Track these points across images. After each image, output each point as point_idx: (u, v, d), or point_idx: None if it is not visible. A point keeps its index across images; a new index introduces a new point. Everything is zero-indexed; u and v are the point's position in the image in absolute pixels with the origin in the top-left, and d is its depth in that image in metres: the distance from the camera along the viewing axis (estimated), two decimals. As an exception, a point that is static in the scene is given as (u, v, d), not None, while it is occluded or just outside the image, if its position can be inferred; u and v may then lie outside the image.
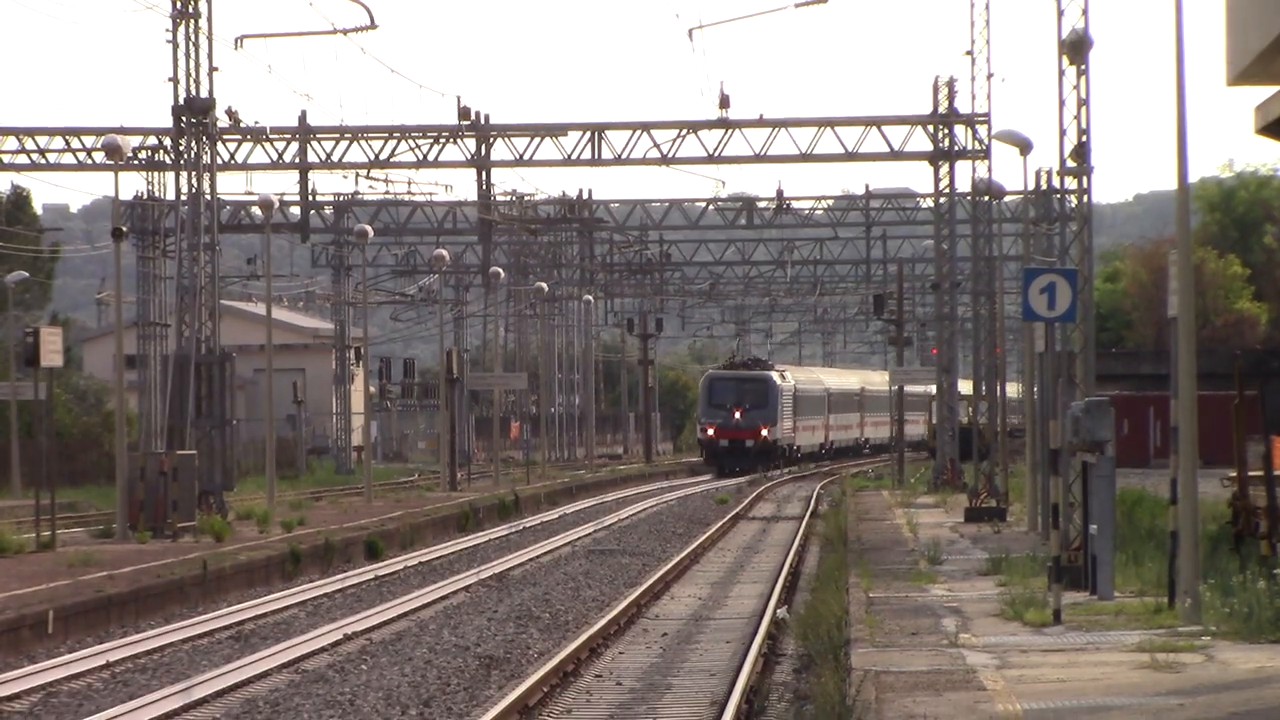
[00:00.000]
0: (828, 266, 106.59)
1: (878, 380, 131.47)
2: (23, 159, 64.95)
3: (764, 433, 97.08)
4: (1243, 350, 71.49)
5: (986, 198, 65.69)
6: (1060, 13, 36.52)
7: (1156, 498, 31.70)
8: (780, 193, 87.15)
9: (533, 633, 29.47)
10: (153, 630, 29.63)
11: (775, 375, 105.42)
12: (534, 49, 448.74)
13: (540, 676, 23.39)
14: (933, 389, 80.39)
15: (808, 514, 61.70)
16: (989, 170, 63.96)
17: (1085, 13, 36.28)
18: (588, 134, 64.95)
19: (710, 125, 64.05)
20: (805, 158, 65.54)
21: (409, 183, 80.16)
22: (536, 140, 66.33)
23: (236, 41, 54.21)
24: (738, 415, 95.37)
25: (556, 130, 66.18)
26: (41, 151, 63.24)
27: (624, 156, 65.01)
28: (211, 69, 49.42)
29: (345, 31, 53.41)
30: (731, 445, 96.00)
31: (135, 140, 57.75)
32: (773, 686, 23.75)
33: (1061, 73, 36.26)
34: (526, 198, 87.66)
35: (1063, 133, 36.30)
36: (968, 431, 67.43)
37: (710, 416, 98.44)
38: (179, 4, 48.48)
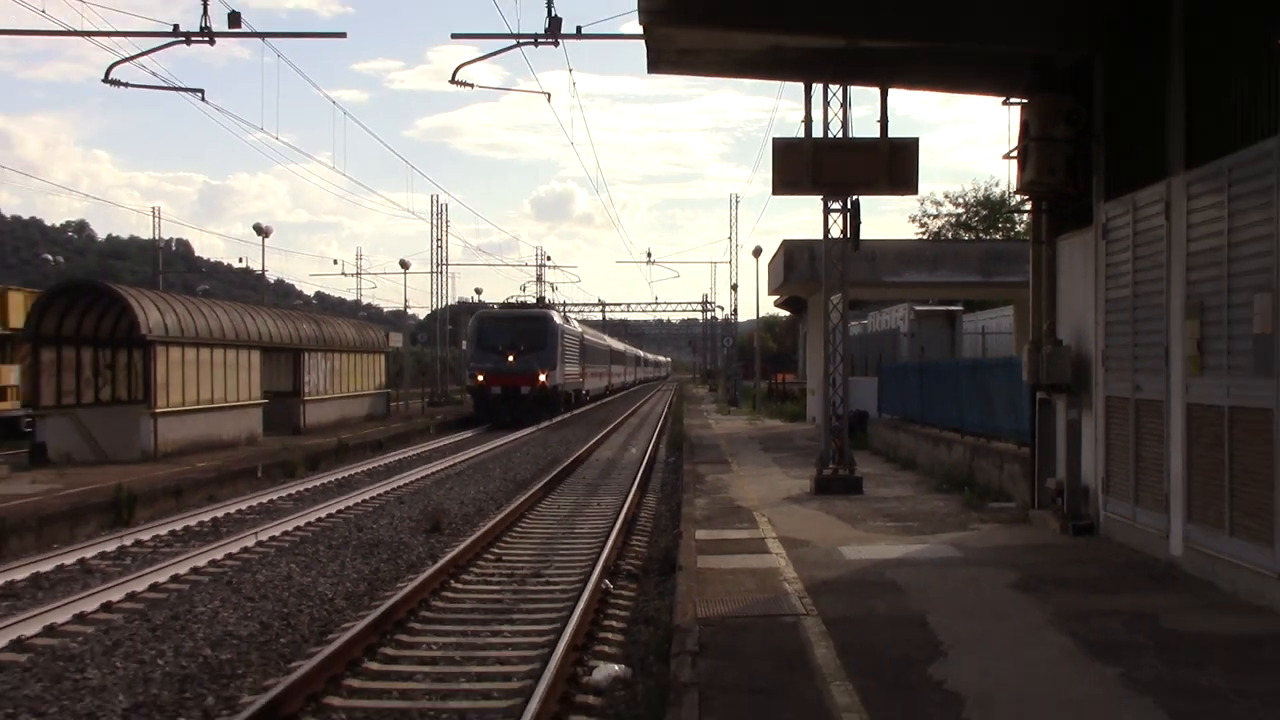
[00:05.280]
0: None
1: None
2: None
3: (542, 378, 49.34)
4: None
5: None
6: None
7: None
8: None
9: (548, 463, 30.09)
10: (385, 457, 31.09)
11: (555, 314, 54.84)
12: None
13: (544, 482, 23.97)
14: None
15: (668, 405, 65.61)
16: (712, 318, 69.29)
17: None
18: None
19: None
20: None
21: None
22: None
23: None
24: (511, 359, 49.55)
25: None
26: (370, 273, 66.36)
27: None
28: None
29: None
30: (505, 393, 49.26)
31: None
32: (655, 476, 25.68)
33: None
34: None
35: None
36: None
37: (480, 361, 50.31)
38: (434, 214, 53.46)
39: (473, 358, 49.20)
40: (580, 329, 61.72)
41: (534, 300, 61.05)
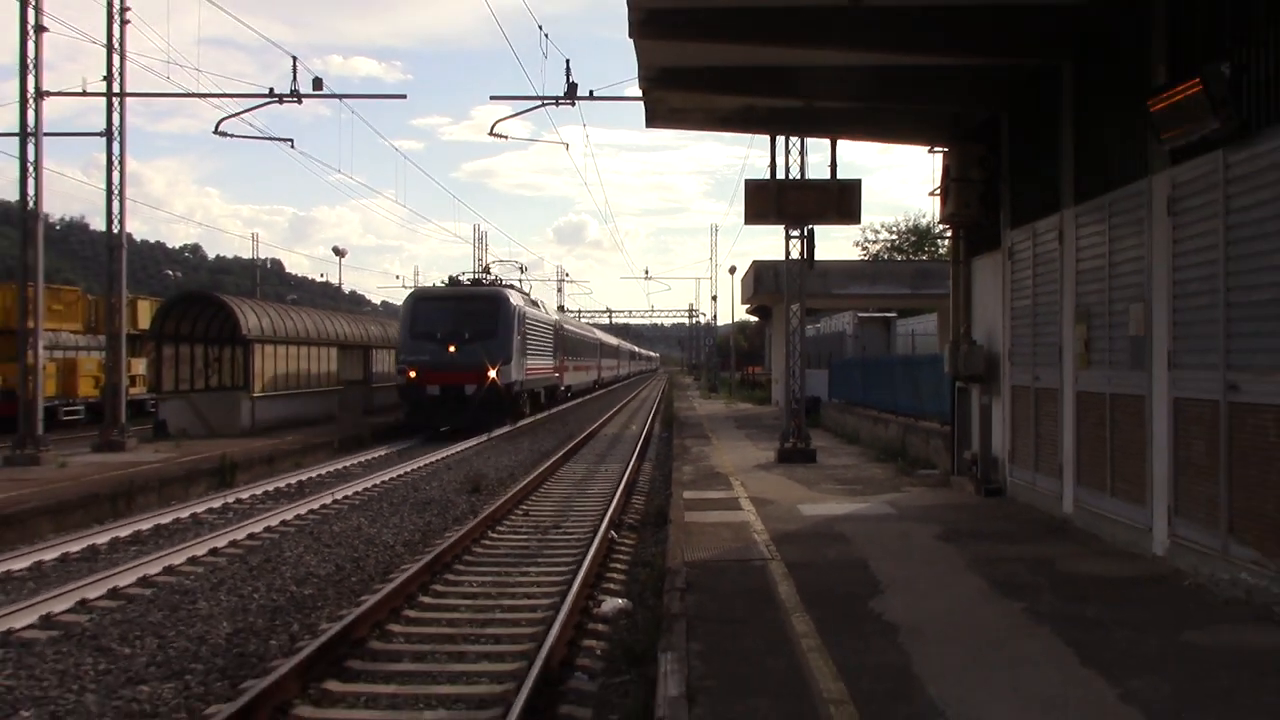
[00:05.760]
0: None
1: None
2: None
3: (491, 374, 27.28)
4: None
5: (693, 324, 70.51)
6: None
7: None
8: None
9: (564, 436, 30.09)
10: (436, 431, 30.49)
11: (513, 295, 30.58)
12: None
13: (564, 451, 24.07)
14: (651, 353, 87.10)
15: (661, 393, 65.39)
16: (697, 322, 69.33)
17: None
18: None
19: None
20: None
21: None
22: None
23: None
24: (452, 349, 27.38)
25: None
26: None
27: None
28: (486, 263, 53.41)
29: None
30: (444, 393, 27.31)
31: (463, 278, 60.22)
32: (651, 448, 25.52)
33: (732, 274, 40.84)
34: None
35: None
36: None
37: (413, 352, 27.66)
38: (476, 240, 52.53)
39: (404, 348, 29.19)
40: (556, 316, 42.75)
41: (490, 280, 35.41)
